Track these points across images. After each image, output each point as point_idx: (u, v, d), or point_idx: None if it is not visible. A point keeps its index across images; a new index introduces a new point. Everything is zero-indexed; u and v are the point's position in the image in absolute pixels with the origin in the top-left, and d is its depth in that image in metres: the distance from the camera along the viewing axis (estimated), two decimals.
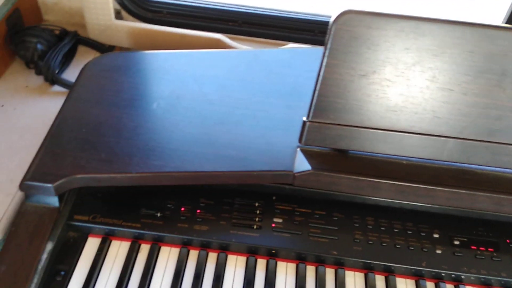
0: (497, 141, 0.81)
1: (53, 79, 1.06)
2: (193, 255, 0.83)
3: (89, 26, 1.15)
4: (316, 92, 0.80)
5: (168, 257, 0.83)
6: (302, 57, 1.08)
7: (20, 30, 1.08)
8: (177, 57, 1.04)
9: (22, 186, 0.80)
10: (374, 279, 0.82)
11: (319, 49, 1.11)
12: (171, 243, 0.84)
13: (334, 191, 0.88)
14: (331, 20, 0.75)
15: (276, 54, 1.07)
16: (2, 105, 1.04)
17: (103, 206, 0.86)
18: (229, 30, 1.18)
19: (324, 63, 0.79)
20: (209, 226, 0.84)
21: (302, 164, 0.84)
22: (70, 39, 1.11)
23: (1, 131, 0.99)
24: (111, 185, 0.83)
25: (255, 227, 0.85)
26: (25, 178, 0.80)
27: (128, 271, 0.80)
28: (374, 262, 0.82)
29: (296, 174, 0.82)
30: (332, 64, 0.78)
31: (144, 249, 0.84)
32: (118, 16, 1.17)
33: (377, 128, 0.81)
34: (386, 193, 0.83)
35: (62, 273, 0.79)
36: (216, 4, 1.20)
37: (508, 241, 0.87)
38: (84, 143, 0.86)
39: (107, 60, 1.02)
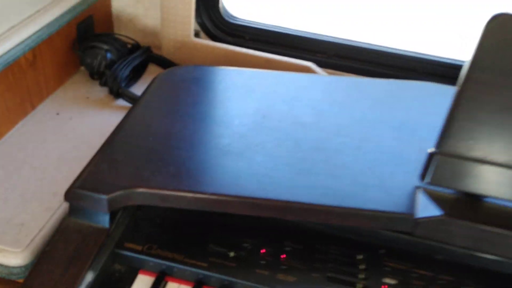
0: None
1: (118, 92, 0.93)
2: None
3: (165, 42, 1.03)
4: (453, 113, 0.62)
5: None
6: (411, 90, 0.90)
7: (90, 36, 0.97)
8: (264, 76, 0.89)
9: (69, 195, 0.63)
10: None
11: (429, 84, 0.95)
12: None
13: (467, 250, 0.66)
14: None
15: (379, 85, 0.91)
16: (58, 113, 0.90)
17: (162, 236, 0.67)
18: (317, 61, 1.04)
19: (466, 77, 0.61)
20: (297, 277, 0.64)
21: (427, 207, 0.63)
22: (142, 53, 0.99)
23: (52, 140, 0.84)
24: (177, 207, 0.65)
25: (360, 285, 0.63)
26: (73, 185, 0.63)
27: None
28: None
29: (419, 220, 0.62)
30: (478, 78, 0.61)
31: None
32: (196, 36, 1.05)
33: None
34: None
35: None
36: (305, 32, 1.06)
37: None
38: (149, 153, 0.69)
39: (183, 71, 0.88)
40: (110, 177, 0.64)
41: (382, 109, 0.84)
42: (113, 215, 0.65)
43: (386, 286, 0.63)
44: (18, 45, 0.78)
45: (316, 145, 0.73)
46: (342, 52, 1.06)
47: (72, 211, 0.64)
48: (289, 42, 1.07)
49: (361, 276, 0.64)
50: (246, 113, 0.79)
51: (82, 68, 1.01)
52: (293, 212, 0.64)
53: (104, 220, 0.64)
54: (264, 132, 0.75)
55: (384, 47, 1.05)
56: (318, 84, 0.89)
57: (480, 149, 0.61)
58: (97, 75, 0.97)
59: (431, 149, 0.63)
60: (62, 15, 0.89)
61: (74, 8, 0.92)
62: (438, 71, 1.02)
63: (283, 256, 0.66)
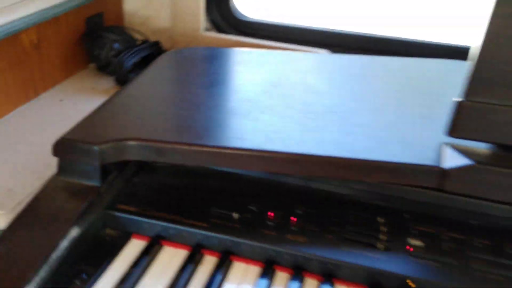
0: None
1: (124, 80, 0.90)
2: (281, 278, 0.54)
3: (176, 36, 1.01)
4: (480, 56, 0.56)
5: (242, 276, 0.54)
6: (428, 64, 0.84)
7: (99, 29, 0.96)
8: (276, 54, 0.85)
9: (57, 147, 0.58)
10: None
11: (447, 60, 0.90)
12: (250, 258, 0.56)
13: (503, 205, 0.57)
14: None
15: (396, 61, 0.85)
16: (61, 100, 0.87)
17: (159, 199, 0.60)
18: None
19: (494, 12, 0.55)
20: (308, 238, 0.56)
21: (455, 158, 0.56)
22: (151, 46, 0.97)
23: (53, 121, 0.81)
24: (175, 162, 0.59)
25: (380, 247, 0.55)
26: (63, 137, 0.58)
27: (183, 281, 0.51)
28: None
29: (449, 171, 0.54)
30: (505, 12, 0.55)
31: (208, 262, 0.56)
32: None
33: None
34: None
35: (84, 275, 0.52)
36: (317, 27, 1.03)
37: None
38: (148, 111, 0.64)
39: (192, 50, 0.85)
40: (103, 129, 0.59)
41: (400, 81, 0.78)
42: (105, 175, 0.59)
43: (411, 248, 0.55)
44: (21, 18, 0.76)
45: (329, 109, 0.68)
46: (354, 44, 1.02)
47: (61, 168, 0.59)
48: (301, 36, 1.04)
49: (383, 237, 0.56)
50: (255, 83, 0.74)
51: (91, 65, 1.00)
52: (303, 167, 0.57)
53: (94, 177, 0.58)
54: (273, 98, 0.70)
55: (392, 36, 1.01)
56: (332, 60, 0.84)
57: None
58: (105, 67, 0.94)
59: (457, 98, 0.57)
60: (65, 1, 0.88)
61: None
62: (448, 56, 0.97)
63: (294, 219, 0.58)
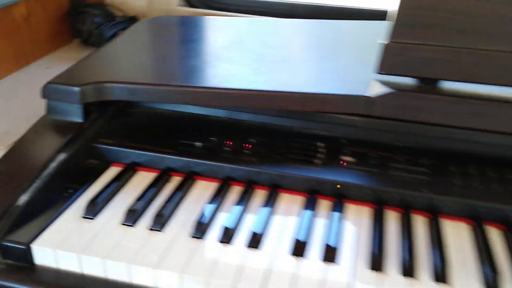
0: None
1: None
2: (236, 191, 0.65)
3: (153, 12, 1.12)
4: (401, 4, 0.67)
5: (202, 191, 0.65)
6: (364, 25, 0.96)
7: (82, 6, 1.07)
8: (238, 20, 0.96)
9: (45, 90, 0.68)
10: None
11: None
12: (210, 177, 0.67)
13: (421, 124, 0.68)
14: None
15: (338, 24, 0.97)
16: (48, 67, 0.98)
17: (134, 134, 0.71)
18: None
19: None
20: (259, 158, 0.67)
21: (380, 88, 0.67)
22: (128, 20, 1.08)
23: (42, 84, 0.90)
24: (145, 100, 0.70)
25: (318, 162, 0.66)
26: (49, 81, 0.69)
27: (148, 198, 0.62)
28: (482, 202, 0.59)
29: (375, 98, 0.65)
30: None
31: (175, 180, 0.66)
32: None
33: (486, 49, 0.64)
34: (491, 121, 0.63)
35: (70, 191, 0.63)
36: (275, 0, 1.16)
37: None
38: (125, 60, 0.75)
39: (166, 18, 0.96)
40: (84, 75, 0.70)
41: (338, 37, 0.90)
42: (88, 114, 0.70)
43: (344, 163, 0.66)
44: None
45: (281, 59, 0.79)
46: (303, 12, 1.14)
47: (49, 109, 0.70)
48: (262, 8, 1.15)
49: (321, 156, 0.67)
50: (219, 41, 0.85)
51: (76, 40, 1.10)
52: (255, 100, 0.68)
53: (78, 115, 0.69)
54: (233, 51, 0.81)
55: (331, 4, 1.14)
56: (285, 24, 0.95)
57: (433, 34, 0.65)
58: (87, 39, 1.05)
59: (384, 40, 0.67)
60: None
61: None
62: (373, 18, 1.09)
63: (248, 145, 0.69)
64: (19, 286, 0.53)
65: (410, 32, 0.66)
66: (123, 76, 0.71)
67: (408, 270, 0.52)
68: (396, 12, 0.66)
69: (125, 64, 0.75)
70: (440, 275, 0.52)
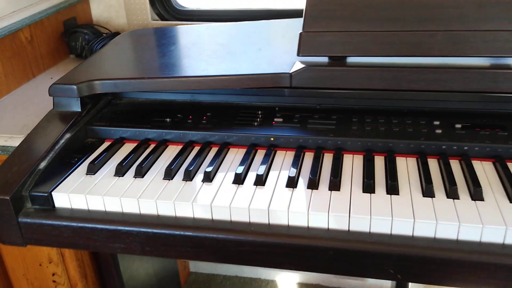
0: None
1: None
2: (194, 150, 0.88)
3: (130, 26, 1.36)
4: (308, 1, 0.90)
5: (171, 152, 0.88)
6: (291, 24, 1.19)
7: (74, 27, 1.31)
8: (197, 27, 1.20)
9: (51, 90, 0.92)
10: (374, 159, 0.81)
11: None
12: (177, 142, 0.90)
13: (331, 90, 0.91)
14: None
15: (272, 23, 1.21)
16: (51, 78, 1.21)
17: (121, 117, 0.95)
18: None
19: None
20: (212, 125, 0.90)
21: (299, 66, 0.90)
22: (112, 35, 1.32)
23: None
24: (127, 91, 0.93)
25: (255, 124, 0.89)
26: (53, 83, 0.92)
27: (131, 158, 0.85)
28: (372, 139, 0.82)
29: (293, 73, 0.88)
30: None
31: (151, 147, 0.90)
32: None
33: (368, 30, 0.87)
34: (379, 82, 0.86)
35: (76, 159, 0.86)
36: (231, 8, 1.39)
37: None
38: (110, 63, 0.99)
39: (142, 30, 1.20)
40: (78, 76, 0.94)
41: (273, 32, 1.14)
42: (84, 105, 0.93)
43: (275, 122, 0.89)
44: (17, 21, 1.11)
45: (228, 52, 1.02)
46: (253, 16, 1.38)
47: (55, 104, 0.93)
48: (223, 15, 1.39)
49: (258, 120, 0.90)
50: (181, 43, 1.09)
51: (71, 56, 1.34)
52: (206, 83, 0.91)
53: (76, 106, 0.92)
54: (192, 50, 1.05)
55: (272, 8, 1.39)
56: (234, 26, 1.19)
57: (333, 23, 0.89)
58: (80, 54, 1.29)
59: (300, 31, 0.91)
60: (48, 8, 1.23)
61: (58, 4, 1.26)
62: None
63: (204, 118, 0.92)
64: (45, 221, 0.76)
65: (316, 23, 0.89)
66: (108, 74, 0.94)
67: (314, 183, 0.75)
68: (306, 8, 0.90)
69: (109, 66, 0.99)
70: (336, 185, 0.75)
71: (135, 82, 0.92)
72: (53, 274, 1.08)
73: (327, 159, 0.83)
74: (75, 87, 0.91)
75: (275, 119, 0.90)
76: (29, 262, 1.08)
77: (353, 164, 0.81)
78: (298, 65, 0.89)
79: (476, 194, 0.71)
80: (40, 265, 1.08)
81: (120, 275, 1.14)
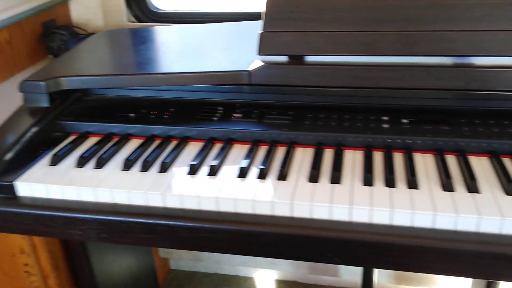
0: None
1: None
2: (156, 143, 0.92)
3: (107, 27, 1.41)
4: (267, 3, 0.94)
5: (133, 145, 0.92)
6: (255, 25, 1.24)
7: (52, 28, 1.35)
8: (169, 28, 1.25)
9: (21, 86, 0.96)
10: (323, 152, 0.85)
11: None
12: (140, 136, 0.94)
13: (288, 86, 0.95)
14: None
15: (236, 25, 1.25)
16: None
17: (87, 113, 0.99)
18: None
19: None
20: (173, 121, 0.94)
21: (258, 64, 0.94)
22: (89, 35, 1.36)
23: None
24: (93, 87, 0.97)
25: (215, 119, 0.93)
26: (23, 80, 0.96)
27: (93, 150, 0.89)
28: (323, 133, 0.86)
29: (252, 71, 0.93)
30: None
31: (114, 140, 0.93)
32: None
33: (323, 31, 0.92)
34: (332, 80, 0.90)
35: (41, 151, 0.90)
36: (206, 10, 1.44)
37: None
38: (78, 61, 1.03)
39: (116, 30, 1.25)
40: (48, 73, 0.98)
41: (239, 33, 1.18)
42: (52, 101, 0.97)
43: (234, 117, 0.93)
44: None
45: (194, 52, 1.07)
46: (223, 17, 1.43)
47: (25, 99, 0.97)
48: (197, 18, 1.44)
49: (218, 115, 0.94)
50: (152, 44, 1.14)
51: (50, 56, 1.39)
52: (169, 80, 0.95)
53: (45, 101, 0.96)
54: (160, 49, 1.09)
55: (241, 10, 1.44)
56: (203, 27, 1.24)
57: (290, 24, 0.93)
58: (57, 54, 1.33)
59: (259, 31, 0.95)
60: (27, 10, 1.27)
61: (37, 6, 1.31)
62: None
63: (167, 113, 0.96)
64: (8, 209, 0.80)
65: (275, 23, 0.94)
66: (75, 71, 0.98)
67: (263, 173, 0.79)
68: (266, 10, 0.94)
69: (79, 64, 1.03)
70: (283, 174, 0.79)
71: (101, 79, 0.96)
72: (26, 265, 1.12)
73: (279, 152, 0.87)
74: (43, 83, 0.95)
75: (234, 115, 0.94)
76: (1, 252, 1.12)
77: (304, 157, 0.85)
78: (257, 63, 0.94)
79: (412, 183, 0.75)
80: (13, 255, 1.12)
81: (91, 267, 1.18)
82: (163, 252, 1.81)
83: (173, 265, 1.89)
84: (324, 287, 1.76)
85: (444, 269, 0.70)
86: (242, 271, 1.84)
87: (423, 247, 0.68)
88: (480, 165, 0.79)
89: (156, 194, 0.77)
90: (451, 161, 0.81)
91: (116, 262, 1.33)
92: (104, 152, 0.87)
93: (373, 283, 1.34)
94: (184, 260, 1.86)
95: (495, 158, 0.80)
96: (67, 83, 0.96)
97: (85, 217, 0.78)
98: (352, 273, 1.71)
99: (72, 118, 0.97)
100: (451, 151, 0.83)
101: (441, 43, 0.87)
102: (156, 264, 1.71)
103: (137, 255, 1.50)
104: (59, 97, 0.99)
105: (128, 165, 0.84)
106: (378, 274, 1.58)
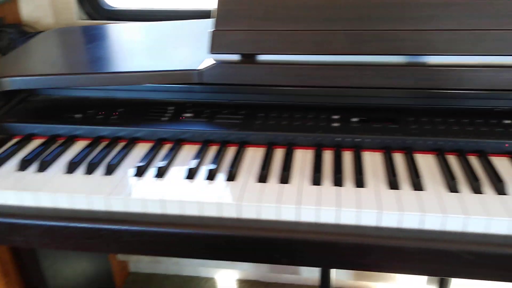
0: None
1: None
2: (103, 144, 0.89)
3: (57, 25, 1.37)
4: (219, 1, 0.93)
5: (80, 147, 0.89)
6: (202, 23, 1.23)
7: (0, 26, 1.30)
8: (120, 26, 1.22)
9: None
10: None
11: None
12: (86, 137, 0.91)
13: (239, 85, 0.94)
14: None
15: (194, 23, 1.24)
16: None
17: (32, 114, 0.95)
18: None
19: None
20: (122, 121, 0.91)
21: (209, 62, 0.92)
22: (38, 33, 1.31)
23: None
24: (38, 87, 0.94)
25: (165, 119, 0.91)
26: None
27: (36, 152, 0.85)
28: (274, 133, 0.86)
29: (202, 70, 0.91)
30: None
31: (59, 142, 0.90)
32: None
33: (275, 29, 0.91)
34: (283, 79, 0.90)
35: None
36: (159, 8, 1.41)
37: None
38: (25, 60, 0.99)
39: (66, 28, 1.21)
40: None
41: (188, 31, 1.16)
42: None
43: (183, 117, 0.92)
44: None
45: (145, 49, 1.04)
46: (178, 16, 1.40)
47: None
48: (149, 16, 1.41)
49: (168, 115, 0.92)
50: (103, 41, 1.10)
51: None
52: (121, 79, 0.93)
53: None
54: (114, 47, 1.06)
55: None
56: (156, 26, 1.22)
57: (242, 22, 0.91)
58: (5, 53, 1.28)
59: (211, 30, 0.94)
60: None
61: None
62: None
63: (116, 113, 0.94)
64: None
65: (226, 22, 0.92)
66: (19, 71, 0.94)
67: (212, 174, 0.78)
68: (217, 8, 0.93)
69: (24, 63, 0.99)
70: (232, 175, 0.78)
71: (46, 79, 0.93)
72: None
73: (230, 152, 0.86)
74: None
75: (184, 115, 0.93)
76: None
77: (254, 156, 0.84)
78: (209, 62, 0.92)
79: (359, 181, 0.75)
80: None
81: (42, 273, 1.14)
82: (121, 255, 1.78)
83: (132, 267, 1.85)
84: (285, 285, 1.77)
85: (391, 267, 0.71)
86: (203, 272, 1.82)
87: (368, 246, 0.68)
88: (426, 162, 0.81)
89: (99, 198, 0.74)
90: (398, 159, 0.82)
91: (70, 267, 1.29)
92: (48, 155, 0.84)
93: (331, 280, 1.35)
94: (143, 262, 1.83)
95: (441, 156, 0.81)
96: (9, 84, 0.92)
97: (26, 223, 0.75)
98: (312, 271, 1.71)
99: (16, 120, 0.93)
100: (399, 149, 0.84)
101: (390, 42, 0.88)
102: (114, 267, 1.67)
103: (93, 259, 1.46)
104: (3, 97, 0.95)
105: (72, 167, 0.81)
106: (336, 271, 1.59)
